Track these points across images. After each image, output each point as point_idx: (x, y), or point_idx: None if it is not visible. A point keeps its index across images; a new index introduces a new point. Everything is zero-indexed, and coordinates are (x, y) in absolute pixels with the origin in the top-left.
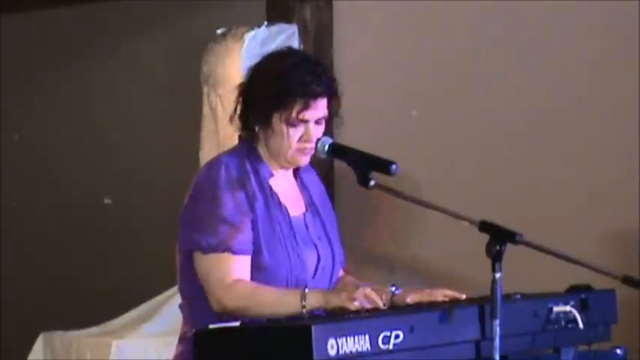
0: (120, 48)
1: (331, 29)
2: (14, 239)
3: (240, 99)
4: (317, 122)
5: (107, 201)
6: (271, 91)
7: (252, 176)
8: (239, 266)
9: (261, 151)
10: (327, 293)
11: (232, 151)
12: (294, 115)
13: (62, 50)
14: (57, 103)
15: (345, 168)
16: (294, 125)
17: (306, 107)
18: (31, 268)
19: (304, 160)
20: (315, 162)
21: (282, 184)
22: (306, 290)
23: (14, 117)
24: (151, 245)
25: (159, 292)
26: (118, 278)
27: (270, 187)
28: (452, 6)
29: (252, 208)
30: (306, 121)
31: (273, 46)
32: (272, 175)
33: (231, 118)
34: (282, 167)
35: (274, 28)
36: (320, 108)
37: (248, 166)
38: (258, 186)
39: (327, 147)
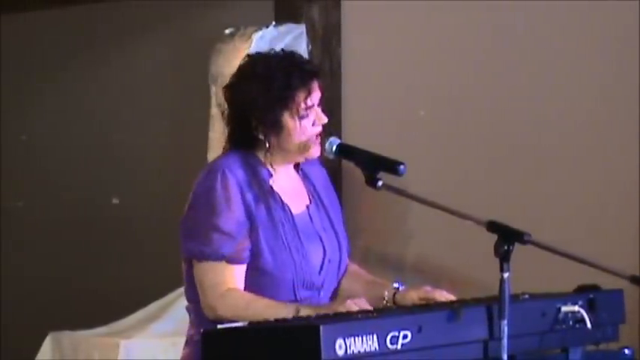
0: (127, 48)
1: (339, 29)
2: (22, 239)
3: (235, 120)
4: (319, 106)
5: (115, 201)
6: (273, 96)
7: (251, 180)
8: (233, 275)
9: (259, 153)
10: (320, 309)
11: (229, 156)
12: (302, 105)
13: (68, 50)
14: (63, 102)
15: (353, 168)
16: (304, 116)
17: (309, 93)
18: (39, 268)
19: (317, 151)
20: (323, 162)
21: (283, 182)
22: (299, 306)
23: (20, 117)
24: (159, 245)
25: (167, 292)
26: (126, 278)
27: (271, 188)
28: (459, 7)
29: (250, 215)
30: (312, 106)
31: (281, 46)
32: (271, 175)
33: (230, 141)
34: (285, 164)
35: (282, 28)
36: (317, 89)
37: (247, 170)
38: (258, 189)
39: (334, 147)
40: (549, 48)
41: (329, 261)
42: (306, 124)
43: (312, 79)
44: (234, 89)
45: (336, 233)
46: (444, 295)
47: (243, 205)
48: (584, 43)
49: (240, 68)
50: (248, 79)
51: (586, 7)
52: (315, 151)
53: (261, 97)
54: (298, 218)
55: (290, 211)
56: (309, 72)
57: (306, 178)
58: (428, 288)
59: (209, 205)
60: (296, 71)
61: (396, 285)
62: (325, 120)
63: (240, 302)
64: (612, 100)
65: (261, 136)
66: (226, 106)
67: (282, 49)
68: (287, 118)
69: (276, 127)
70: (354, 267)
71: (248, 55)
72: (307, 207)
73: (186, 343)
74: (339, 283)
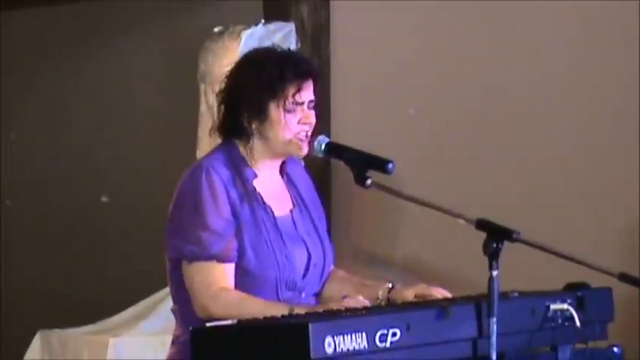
0: (117, 46)
1: (328, 28)
2: (9, 237)
3: (224, 106)
4: (309, 107)
5: (104, 199)
6: (262, 82)
7: (235, 179)
8: (224, 273)
9: (244, 153)
10: (315, 310)
11: (213, 155)
12: (289, 99)
13: (57, 48)
14: (53, 101)
15: (342, 167)
16: (291, 111)
17: (299, 89)
18: (27, 267)
19: (304, 149)
20: (311, 161)
21: (267, 184)
22: (294, 307)
23: (10, 115)
24: (149, 243)
25: (156, 290)
26: (115, 276)
27: (254, 188)
28: (449, 5)
29: (235, 213)
30: (301, 104)
31: (270, 44)
32: (256, 176)
33: (217, 128)
34: (268, 161)
35: (271, 26)
36: (310, 89)
37: (231, 169)
38: (242, 189)
39: (323, 146)
40: (545, 47)
41: (314, 265)
42: (290, 118)
43: (306, 77)
44: (229, 76)
45: (320, 238)
46: (439, 292)
47: (229, 204)
48: (584, 43)
49: (239, 59)
50: (244, 65)
51: (586, 7)
52: (302, 150)
53: (252, 82)
54: (280, 221)
55: (272, 213)
56: (304, 70)
57: (290, 183)
58: (423, 285)
59: (196, 205)
60: (291, 66)
61: (389, 285)
62: (313, 120)
63: (233, 302)
64: (611, 99)
65: (245, 124)
66: (221, 94)
67: (288, 48)
68: (272, 108)
69: (260, 115)
70: (341, 272)
71: (254, 49)
72: (291, 211)
73: (172, 342)
74: (321, 288)
